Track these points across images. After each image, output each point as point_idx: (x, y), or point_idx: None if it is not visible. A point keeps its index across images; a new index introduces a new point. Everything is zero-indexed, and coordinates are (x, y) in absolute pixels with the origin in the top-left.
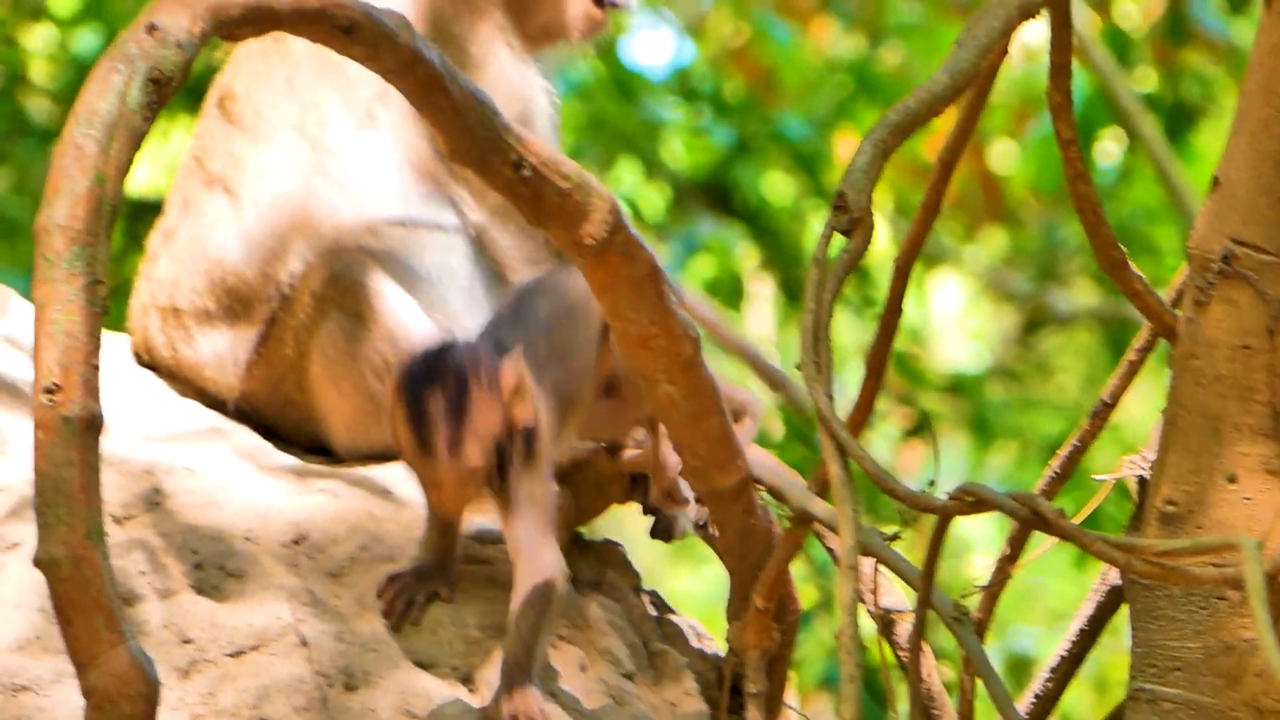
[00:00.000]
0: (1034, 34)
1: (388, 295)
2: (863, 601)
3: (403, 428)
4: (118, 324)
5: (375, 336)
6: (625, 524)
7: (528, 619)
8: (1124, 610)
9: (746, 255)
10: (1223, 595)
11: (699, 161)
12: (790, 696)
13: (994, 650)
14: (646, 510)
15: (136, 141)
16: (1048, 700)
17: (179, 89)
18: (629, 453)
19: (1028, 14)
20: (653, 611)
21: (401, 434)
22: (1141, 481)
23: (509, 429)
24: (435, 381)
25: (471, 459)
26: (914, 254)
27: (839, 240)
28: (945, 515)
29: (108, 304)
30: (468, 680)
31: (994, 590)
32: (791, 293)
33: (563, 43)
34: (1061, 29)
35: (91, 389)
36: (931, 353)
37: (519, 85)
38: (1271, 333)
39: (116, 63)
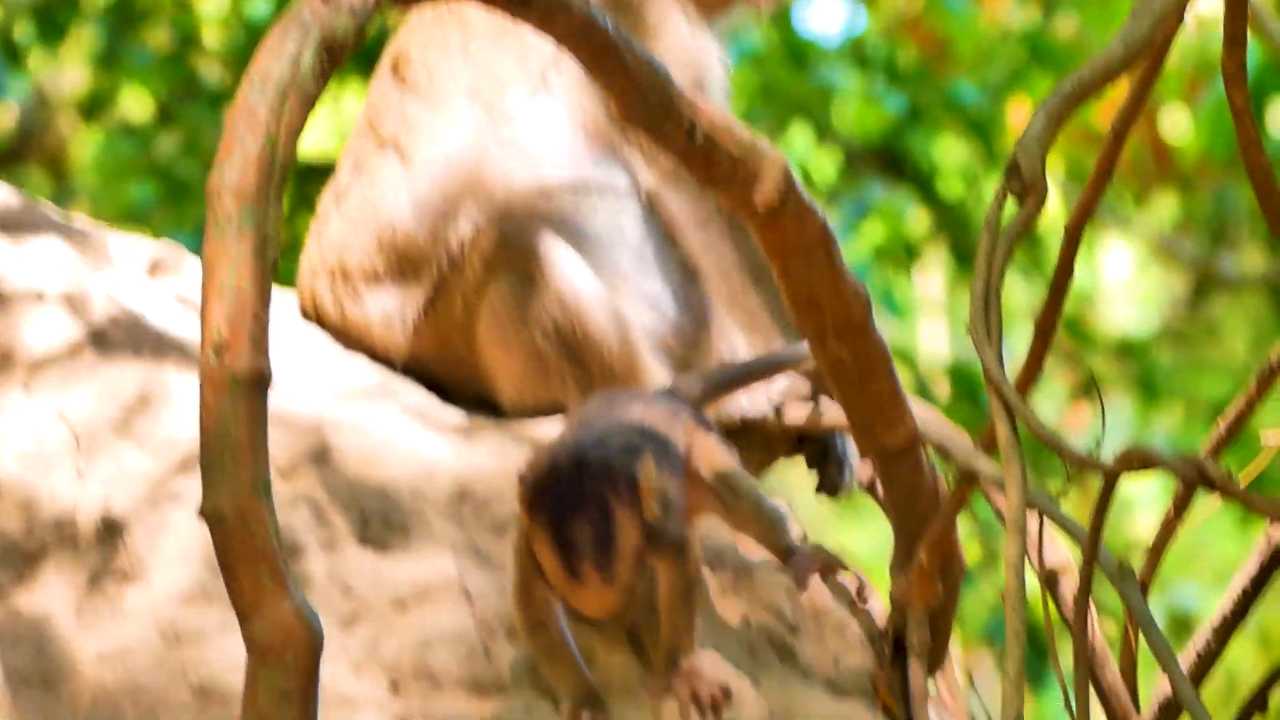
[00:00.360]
0: (1208, 4)
1: (558, 257)
2: (1027, 559)
3: (548, 553)
4: (286, 285)
5: (545, 298)
6: (791, 479)
7: (680, 614)
8: None
9: (917, 220)
10: None
11: (871, 127)
12: (953, 651)
13: (1157, 607)
14: (811, 465)
15: (308, 105)
16: (1210, 657)
17: (351, 55)
18: (796, 410)
19: None
20: None
21: (546, 558)
22: None
23: (650, 533)
24: (578, 510)
25: (621, 579)
26: (1085, 219)
27: (1011, 206)
28: (1112, 475)
29: (277, 264)
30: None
31: (1158, 548)
32: (962, 257)
33: (737, 10)
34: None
35: (259, 346)
36: (1100, 316)
37: (693, 52)
38: None
39: (291, 28)
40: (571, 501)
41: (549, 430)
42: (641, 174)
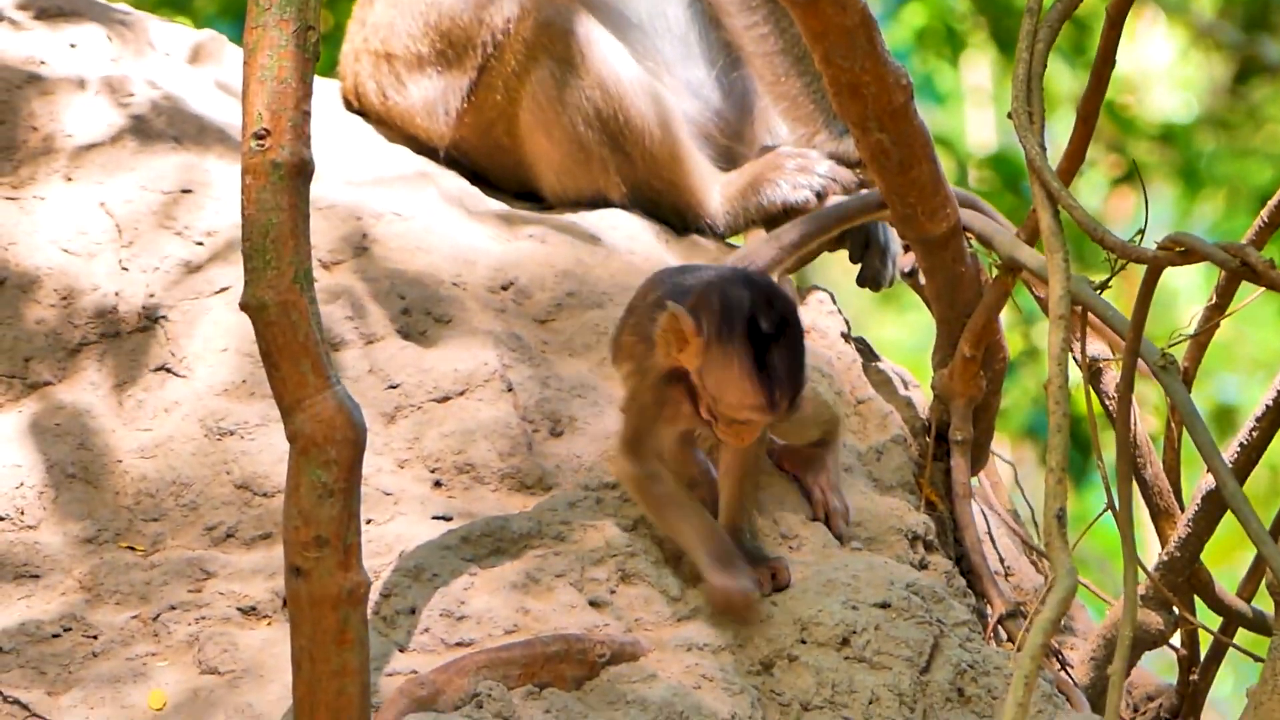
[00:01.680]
0: None
1: (599, 42)
2: (1070, 350)
3: (738, 384)
4: (328, 70)
5: (586, 83)
6: (833, 270)
7: (750, 483)
8: None
9: (959, 4)
10: None
11: None
12: (996, 444)
13: (1200, 399)
14: (854, 258)
15: None
16: (1253, 449)
17: None
18: (837, 199)
19: None
20: (859, 359)
21: (733, 389)
22: None
23: None
24: (778, 339)
25: (797, 408)
26: (1127, 4)
27: None
28: (1155, 265)
29: (319, 50)
30: None
31: (1201, 339)
32: (1004, 44)
33: None
34: None
35: (301, 134)
36: (1142, 102)
37: None
38: None
39: None
40: (771, 331)
41: (592, 219)
42: None
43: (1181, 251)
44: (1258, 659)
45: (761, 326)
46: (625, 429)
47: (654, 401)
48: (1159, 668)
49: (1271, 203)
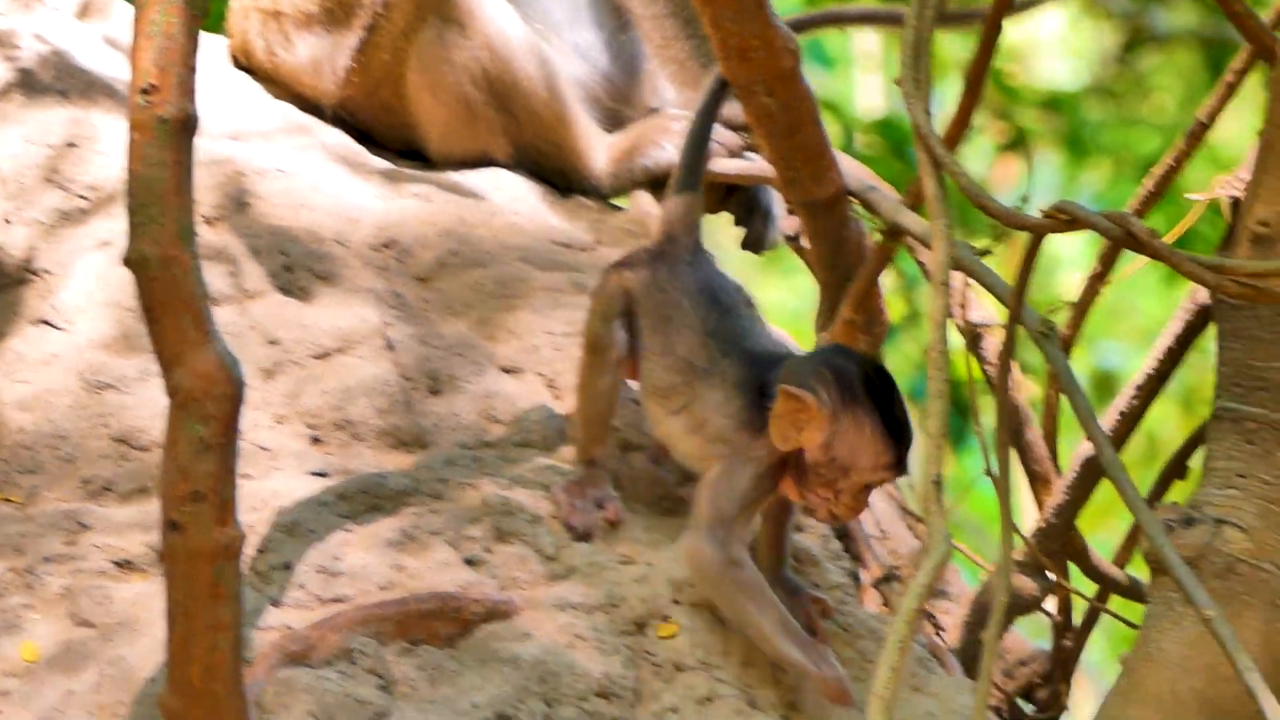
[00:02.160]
0: None
1: (487, 3)
2: (951, 316)
3: (873, 446)
4: (216, 27)
5: (474, 44)
6: (717, 234)
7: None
8: (1211, 329)
9: None
10: None
11: None
12: None
13: (1080, 366)
14: (738, 221)
15: None
16: (1132, 417)
17: None
18: (724, 163)
19: None
20: None
21: (868, 452)
22: (1235, 202)
23: None
24: (897, 402)
25: None
26: None
27: None
28: (1038, 232)
29: (207, 6)
30: (553, 385)
31: (1083, 307)
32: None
33: None
34: None
35: (187, 90)
36: (1030, 70)
37: None
38: None
39: None
40: (894, 394)
41: (476, 178)
42: None
43: (1065, 219)
44: (1132, 625)
45: (876, 385)
46: (712, 513)
47: (755, 489)
48: (1033, 633)
49: (1155, 172)
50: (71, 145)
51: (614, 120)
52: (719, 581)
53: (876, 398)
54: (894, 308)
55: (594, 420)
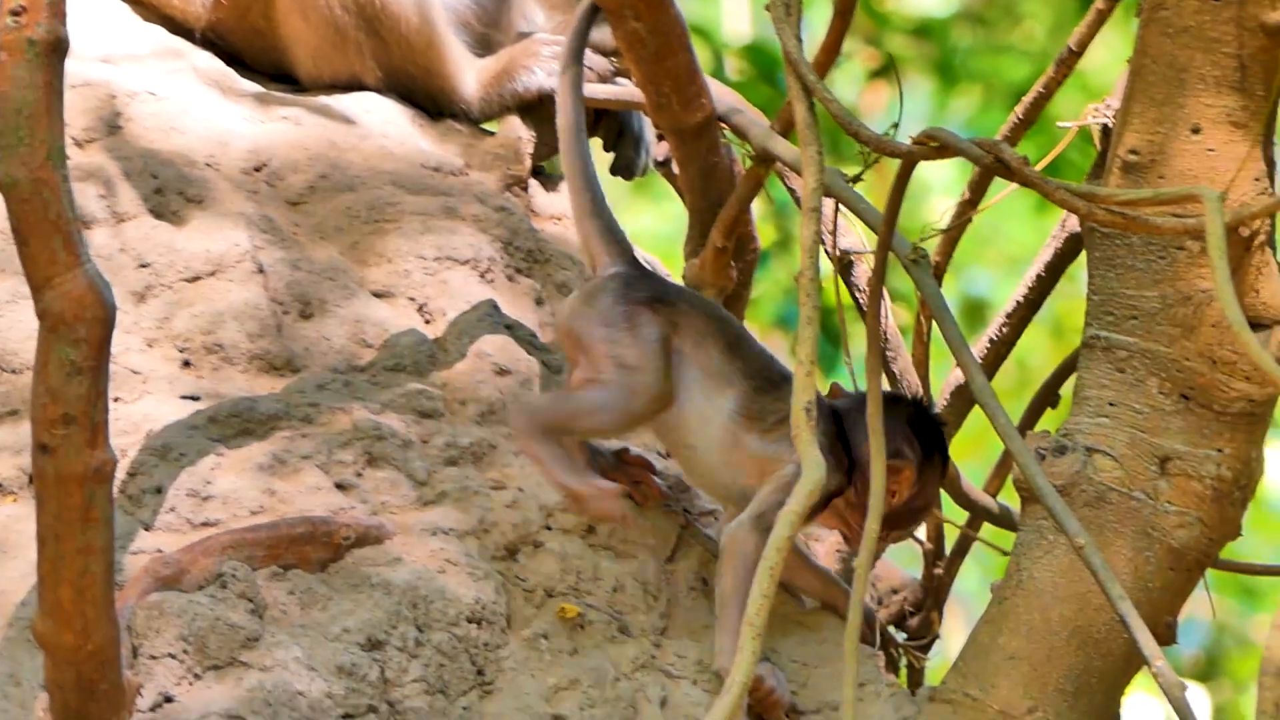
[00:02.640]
0: None
1: None
2: (822, 243)
3: (936, 488)
4: None
5: None
6: None
7: None
8: (1082, 257)
9: None
10: (1182, 245)
11: None
12: None
13: (951, 293)
14: (607, 146)
15: None
16: (1003, 344)
17: None
18: (593, 88)
19: None
20: None
21: (931, 494)
22: (1105, 130)
23: None
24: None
25: None
26: None
27: None
28: (908, 159)
29: None
30: (424, 310)
31: (953, 234)
32: None
33: None
34: None
35: (57, 11)
36: None
37: None
38: None
39: None
40: (943, 435)
41: (346, 102)
42: None
43: (935, 146)
44: (1004, 553)
45: (935, 429)
46: (773, 508)
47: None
48: (904, 561)
49: (1026, 99)
50: None
51: (484, 45)
52: (748, 566)
53: (940, 444)
54: (765, 234)
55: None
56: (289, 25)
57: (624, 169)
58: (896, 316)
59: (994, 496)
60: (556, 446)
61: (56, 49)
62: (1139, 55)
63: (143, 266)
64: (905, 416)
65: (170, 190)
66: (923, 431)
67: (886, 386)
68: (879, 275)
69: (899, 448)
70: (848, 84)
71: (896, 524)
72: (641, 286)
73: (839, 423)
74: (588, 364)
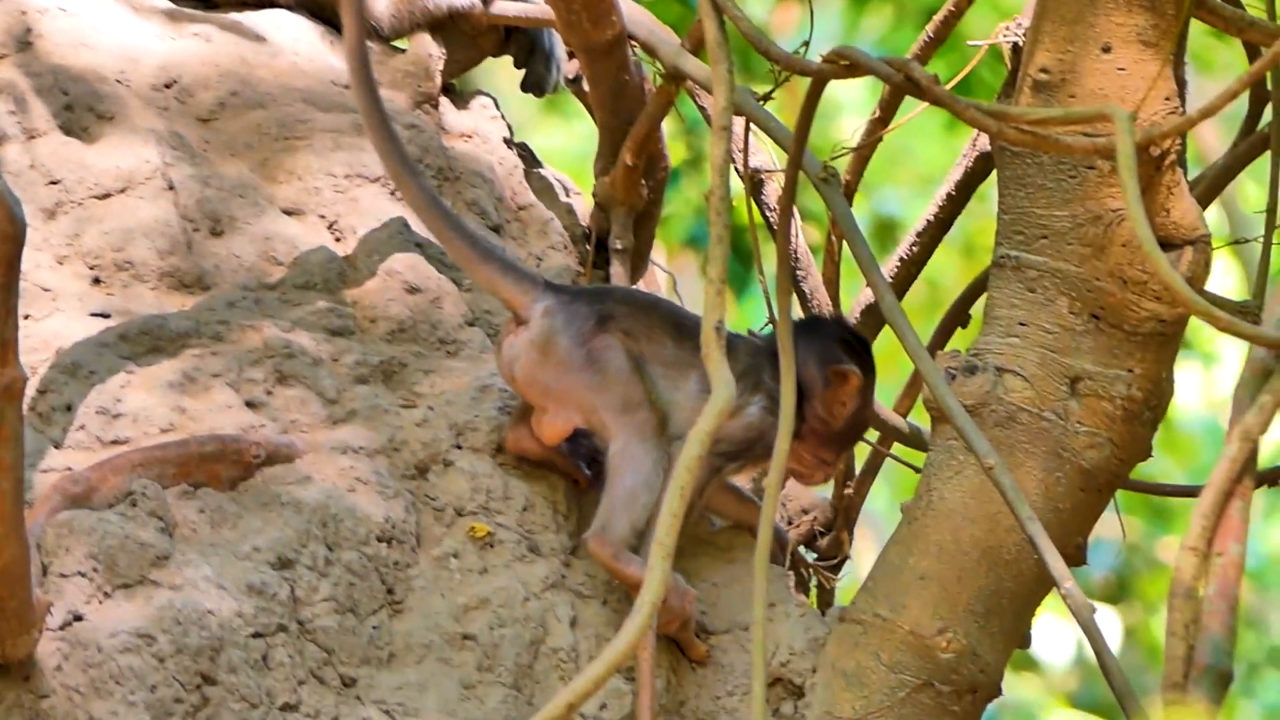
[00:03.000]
0: None
1: None
2: (732, 161)
3: (868, 408)
4: None
5: None
6: (496, 77)
7: None
8: (993, 176)
9: None
10: (1092, 165)
11: None
12: (656, 253)
13: (861, 213)
14: (518, 63)
15: None
16: (913, 264)
17: None
18: (504, 5)
19: None
20: (520, 165)
21: (867, 414)
22: (1015, 48)
23: None
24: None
25: None
26: None
27: None
28: (819, 77)
29: None
30: (334, 227)
31: (863, 153)
32: None
33: None
34: None
35: None
36: None
37: None
38: None
39: None
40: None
41: (257, 19)
42: None
43: (846, 65)
44: (916, 470)
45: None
46: (726, 439)
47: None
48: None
49: (937, 18)
50: None
51: None
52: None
53: (870, 359)
54: (675, 152)
55: None
56: None
57: (534, 86)
58: (807, 235)
59: (904, 416)
60: (635, 555)
61: None
62: None
63: (53, 183)
64: (834, 334)
65: (80, 107)
66: (852, 347)
67: (796, 306)
68: (789, 194)
69: (840, 358)
70: (759, 3)
71: (844, 441)
72: (581, 313)
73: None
74: (563, 410)
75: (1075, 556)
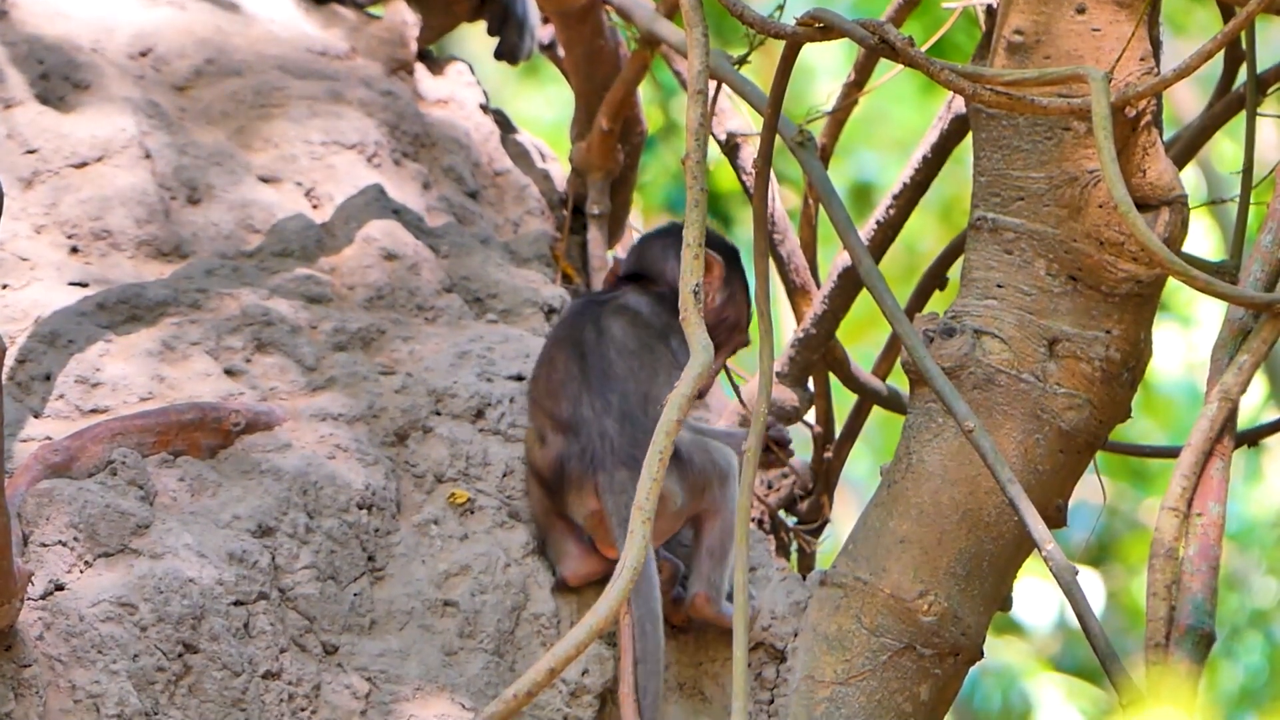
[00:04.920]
0: None
1: None
2: (708, 126)
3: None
4: None
5: None
6: (472, 42)
7: None
8: (968, 139)
9: None
10: (1068, 126)
11: None
12: (633, 218)
13: (838, 176)
14: (492, 30)
15: None
16: (890, 227)
17: None
18: None
19: None
20: (497, 130)
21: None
22: (990, 10)
23: None
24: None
25: None
26: None
27: None
28: (794, 41)
29: None
30: (311, 195)
31: (839, 116)
32: None
33: None
34: None
35: None
36: None
37: None
38: None
39: None
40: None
41: None
42: None
43: (821, 27)
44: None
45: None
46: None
47: None
48: (794, 445)
49: None
50: None
51: None
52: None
53: (737, 258)
54: (651, 118)
55: None
56: None
57: (508, 53)
58: (784, 199)
59: (883, 379)
60: (729, 602)
61: None
62: None
63: (30, 153)
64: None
65: (56, 76)
66: (717, 247)
67: (774, 271)
68: (765, 158)
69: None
70: None
71: (716, 337)
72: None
73: None
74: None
75: (1056, 518)
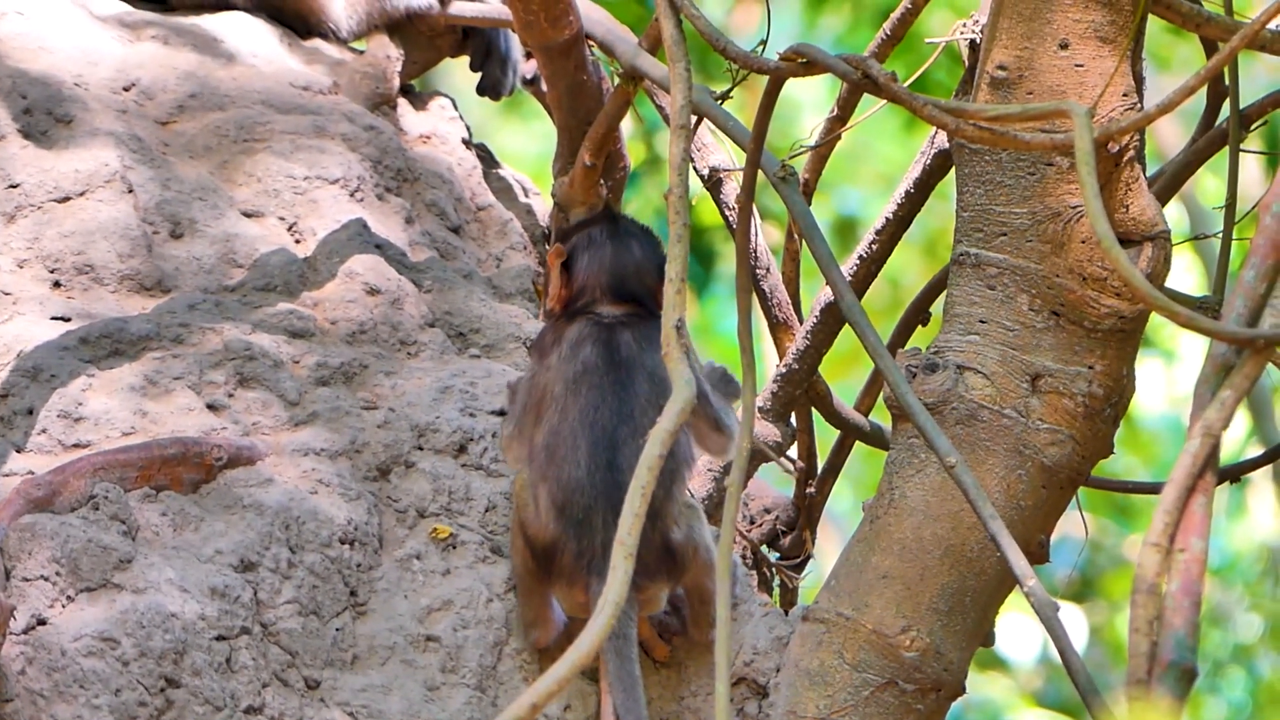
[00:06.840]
0: None
1: None
2: (691, 161)
3: None
4: None
5: None
6: (455, 77)
7: None
8: (952, 174)
9: None
10: (1051, 161)
11: None
12: None
13: (820, 211)
14: (474, 66)
15: None
16: (873, 262)
17: None
18: (461, 6)
19: None
20: (480, 165)
21: None
22: (973, 46)
23: None
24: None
25: None
26: None
27: None
28: (777, 76)
29: None
30: (293, 229)
31: (822, 151)
32: None
33: None
34: None
35: None
36: None
37: None
38: None
39: None
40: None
41: (214, 22)
42: None
43: (803, 63)
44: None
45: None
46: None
47: None
48: (776, 480)
49: (894, 16)
50: None
51: None
52: None
53: (610, 239)
54: (634, 153)
55: None
56: None
57: (491, 88)
58: (767, 235)
59: (865, 415)
60: None
61: None
62: None
63: (12, 187)
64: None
65: (39, 110)
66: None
67: (757, 306)
68: (748, 193)
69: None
70: (717, 2)
71: None
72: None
73: None
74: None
75: (1038, 554)
